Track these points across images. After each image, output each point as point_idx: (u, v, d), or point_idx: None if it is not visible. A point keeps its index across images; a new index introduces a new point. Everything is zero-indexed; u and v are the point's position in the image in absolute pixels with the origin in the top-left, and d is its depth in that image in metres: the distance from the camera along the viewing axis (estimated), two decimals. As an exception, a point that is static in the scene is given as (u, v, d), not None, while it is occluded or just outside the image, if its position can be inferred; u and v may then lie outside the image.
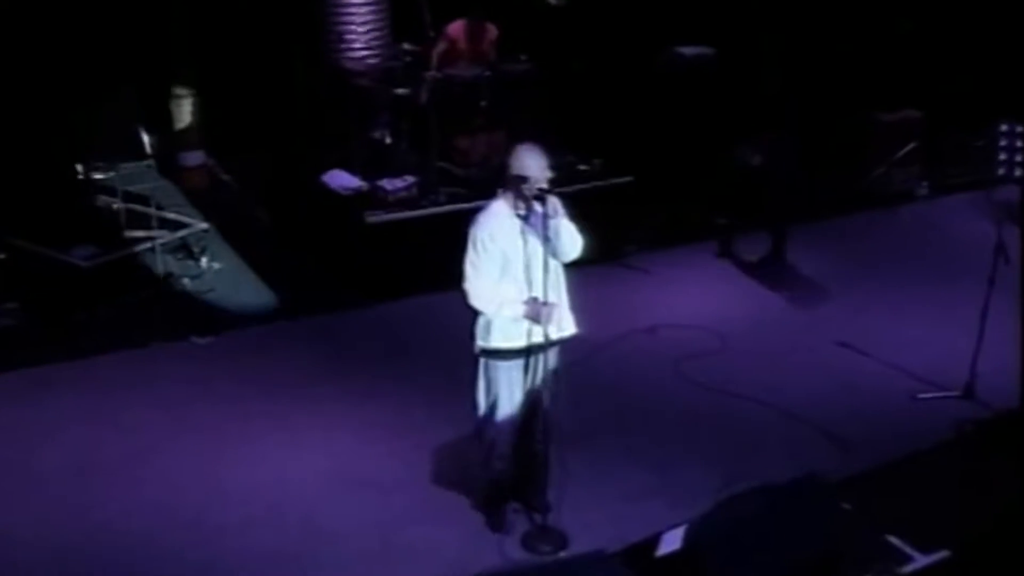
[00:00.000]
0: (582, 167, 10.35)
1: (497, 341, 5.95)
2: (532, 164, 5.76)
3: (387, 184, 9.58)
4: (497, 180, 9.44)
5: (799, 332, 8.71)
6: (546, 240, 5.75)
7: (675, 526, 6.00)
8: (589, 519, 6.43)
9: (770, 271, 9.73)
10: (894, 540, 6.12)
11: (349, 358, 8.35)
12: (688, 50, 11.55)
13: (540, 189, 5.74)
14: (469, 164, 10.03)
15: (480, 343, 6.01)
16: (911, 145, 11.49)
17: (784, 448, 7.12)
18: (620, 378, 7.99)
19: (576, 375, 7.47)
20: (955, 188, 11.44)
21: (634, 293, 9.37)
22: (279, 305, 9.16)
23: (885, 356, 8.18)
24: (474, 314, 6.01)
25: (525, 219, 5.86)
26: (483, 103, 10.04)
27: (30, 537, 6.34)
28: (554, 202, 5.76)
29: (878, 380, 7.90)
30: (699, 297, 9.35)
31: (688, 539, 5.66)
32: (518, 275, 5.85)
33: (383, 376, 8.05)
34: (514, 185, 5.80)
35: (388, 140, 10.41)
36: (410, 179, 9.68)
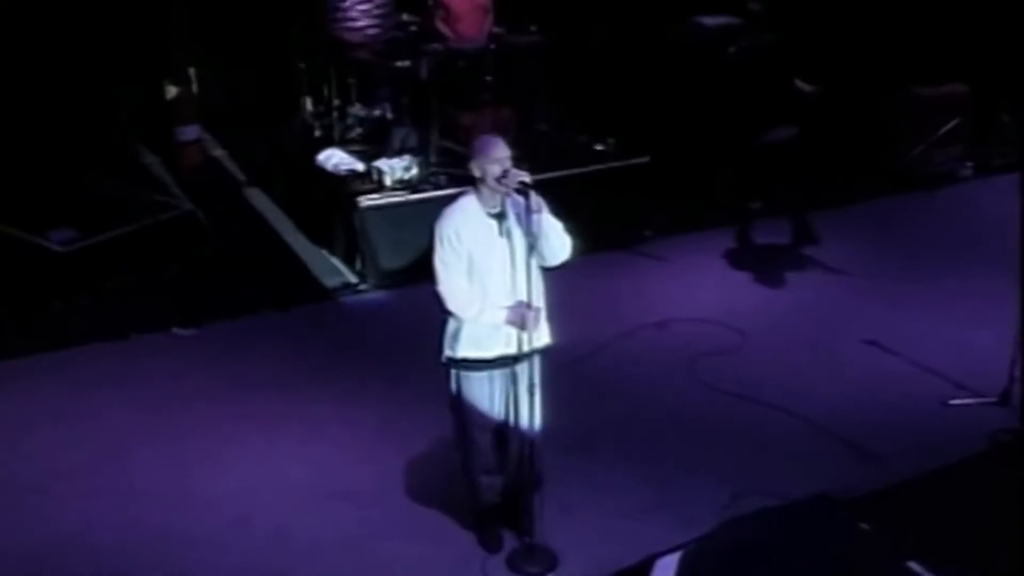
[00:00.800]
0: (595, 147, 9.99)
1: (466, 350, 5.61)
2: (502, 155, 5.39)
3: (384, 165, 9.24)
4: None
5: (824, 328, 8.38)
6: (529, 239, 5.37)
7: (673, 549, 5.71)
8: (581, 537, 6.13)
9: (795, 260, 9.39)
10: (915, 567, 5.73)
11: (337, 353, 8.11)
12: (710, 20, 11.13)
13: (522, 182, 5.36)
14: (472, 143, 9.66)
15: (448, 352, 5.67)
16: (954, 122, 11.05)
17: (801, 460, 6.78)
18: (625, 379, 7.68)
19: (577, 375, 7.28)
20: (1002, 169, 10.89)
21: (646, 283, 9.08)
22: (267, 294, 8.91)
23: (916, 356, 7.81)
24: (441, 318, 5.65)
25: (500, 218, 5.48)
26: (488, 77, 9.70)
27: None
28: (537, 197, 5.38)
29: (907, 383, 7.54)
30: (717, 288, 9.04)
31: (684, 566, 5.31)
32: (487, 279, 5.50)
33: (371, 374, 7.79)
34: (487, 180, 5.42)
35: (390, 116, 10.07)
36: (409, 159, 9.34)
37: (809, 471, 6.61)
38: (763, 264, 9.40)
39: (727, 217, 10.01)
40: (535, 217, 5.37)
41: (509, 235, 5.47)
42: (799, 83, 9.28)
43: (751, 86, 9.49)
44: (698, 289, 8.99)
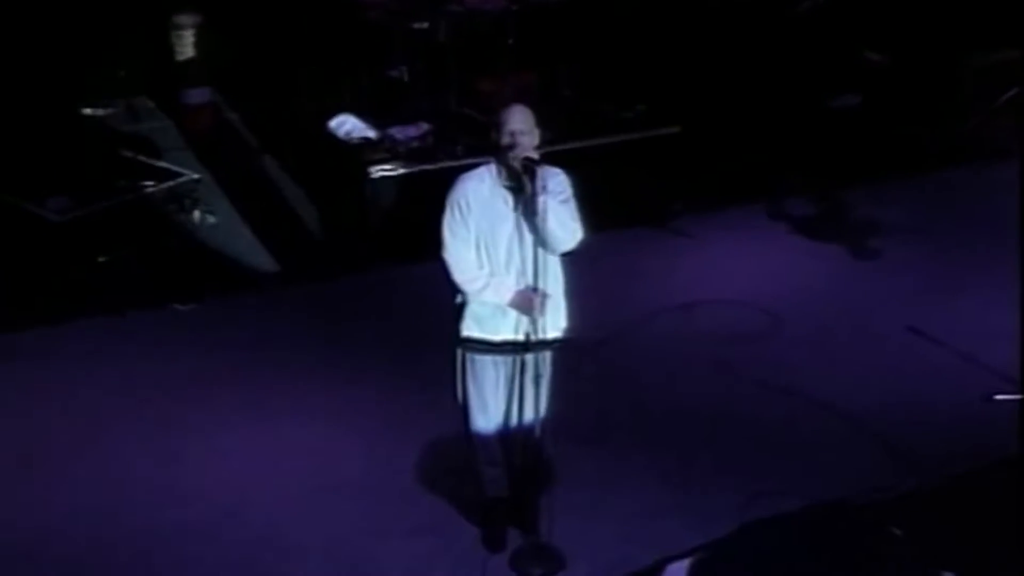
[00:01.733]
0: (623, 114, 9.75)
1: (470, 329, 5.51)
2: (515, 127, 5.24)
3: (398, 132, 9.09)
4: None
5: (862, 313, 8.17)
6: (531, 222, 5.22)
7: (686, 553, 5.59)
8: (591, 536, 5.97)
9: (835, 238, 9.17)
10: (949, 577, 5.56)
11: (342, 333, 7.98)
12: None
13: (528, 159, 5.18)
14: (493, 110, 9.45)
15: (453, 327, 5.58)
16: (1012, 91, 10.69)
17: (830, 457, 6.60)
18: (647, 366, 7.51)
19: (593, 361, 7.09)
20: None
21: (674, 262, 8.89)
22: (273, 269, 8.81)
23: (961, 345, 7.56)
24: (452, 291, 5.55)
25: (516, 192, 5.30)
26: (510, 40, 9.52)
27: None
28: (552, 177, 5.26)
29: (949, 375, 7.32)
30: (750, 268, 8.82)
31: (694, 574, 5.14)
32: (494, 254, 5.40)
33: (376, 356, 7.66)
34: (500, 152, 5.30)
35: (406, 79, 9.88)
36: (424, 127, 9.18)
37: (838, 470, 6.45)
38: (801, 242, 9.21)
39: (765, 192, 9.76)
40: (539, 199, 5.18)
41: (523, 211, 5.32)
42: (869, 53, 9.03)
43: (818, 46, 9.23)
44: (729, 269, 8.79)
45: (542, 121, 9.07)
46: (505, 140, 5.27)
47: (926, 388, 7.23)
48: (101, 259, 8.72)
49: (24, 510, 6.26)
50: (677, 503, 6.26)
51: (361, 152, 9.21)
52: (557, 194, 5.31)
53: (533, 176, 5.20)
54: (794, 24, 9.61)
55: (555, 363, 5.61)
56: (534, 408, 5.53)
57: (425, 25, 9.55)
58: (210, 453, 6.72)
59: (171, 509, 6.26)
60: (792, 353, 7.65)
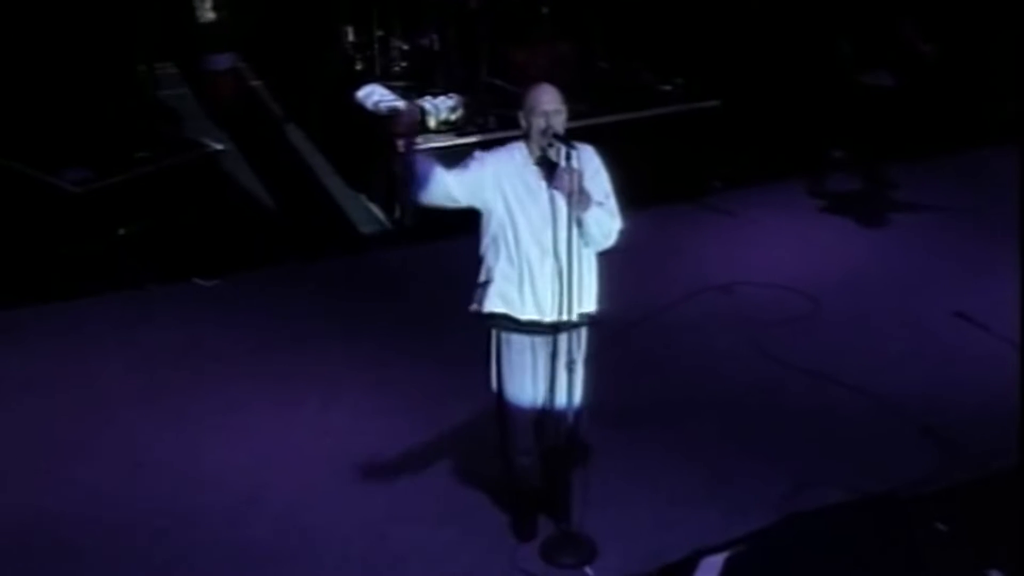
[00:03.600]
0: (661, 87, 9.64)
1: (494, 304, 5.37)
2: (547, 107, 5.17)
3: (428, 104, 8.96)
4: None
5: (907, 296, 8.06)
6: (565, 201, 5.12)
7: (723, 546, 5.48)
8: (623, 526, 5.88)
9: (879, 217, 9.06)
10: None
11: (365, 310, 7.94)
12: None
13: (557, 136, 5.08)
14: (526, 81, 9.31)
15: (475, 306, 5.46)
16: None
17: (873, 448, 6.47)
18: (683, 349, 7.42)
19: (627, 344, 7.03)
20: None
21: (712, 240, 8.82)
22: (295, 242, 8.75)
23: (1009, 331, 7.31)
24: (476, 266, 5.45)
25: (549, 169, 5.20)
26: (545, 9, 9.47)
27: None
28: (582, 152, 5.13)
29: (996, 362, 7.11)
30: (790, 248, 8.74)
31: (730, 569, 5.03)
32: (521, 233, 5.27)
33: (402, 335, 7.60)
34: (531, 135, 5.24)
35: (436, 48, 9.77)
36: (456, 98, 9.05)
37: (881, 461, 6.32)
38: (842, 221, 9.10)
39: (807, 167, 9.66)
40: (571, 179, 5.08)
41: (554, 194, 5.21)
42: (921, 43, 8.84)
43: (860, 19, 9.05)
44: (769, 248, 8.69)
45: (577, 93, 9.00)
46: (539, 122, 5.17)
47: (970, 375, 7.09)
48: (121, 231, 8.65)
49: (41, 492, 6.23)
50: (713, 493, 6.15)
51: (389, 124, 9.08)
52: (590, 178, 5.20)
53: (568, 157, 5.07)
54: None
55: (589, 346, 5.49)
56: (568, 394, 5.41)
57: (457, -9, 9.43)
58: (231, 435, 6.67)
59: (190, 493, 6.21)
60: (832, 336, 7.55)
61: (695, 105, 9.52)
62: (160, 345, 7.50)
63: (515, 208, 5.27)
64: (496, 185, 5.27)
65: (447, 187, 5.26)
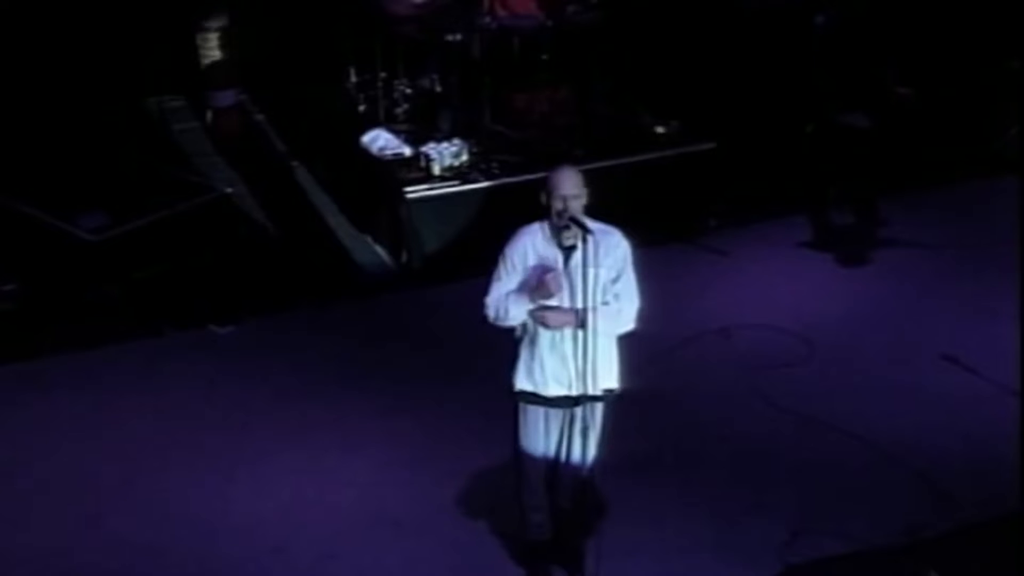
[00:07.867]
0: (658, 130, 9.88)
1: (522, 383, 5.73)
2: (566, 191, 5.46)
3: (432, 151, 9.27)
4: (558, 144, 9.27)
5: (902, 338, 8.27)
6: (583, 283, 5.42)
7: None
8: (630, 575, 6.18)
9: (873, 255, 9.27)
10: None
11: (379, 355, 8.15)
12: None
13: (573, 220, 5.41)
14: (527, 126, 9.68)
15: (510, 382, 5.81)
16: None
17: (868, 494, 6.81)
18: (682, 394, 7.69)
19: (627, 388, 7.20)
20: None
21: (707, 282, 8.99)
22: (306, 287, 8.97)
23: (1001, 375, 7.57)
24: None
25: (568, 251, 5.55)
26: (544, 56, 9.64)
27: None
28: (605, 239, 5.49)
29: (989, 408, 7.41)
30: (785, 287, 8.92)
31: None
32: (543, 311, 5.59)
33: (417, 380, 7.84)
34: (550, 214, 5.54)
35: (439, 89, 10.05)
36: (459, 143, 9.35)
37: (876, 507, 6.64)
38: (837, 259, 9.27)
39: (799, 207, 9.87)
40: (588, 270, 5.39)
41: (575, 271, 5.50)
42: (898, 87, 9.15)
43: (837, 63, 9.35)
44: (764, 288, 8.88)
45: (576, 138, 9.26)
46: (557, 205, 5.46)
47: (962, 421, 7.34)
48: (137, 275, 8.85)
49: (61, 545, 6.48)
50: (715, 540, 6.48)
51: (396, 170, 9.38)
52: (609, 268, 5.53)
53: (584, 242, 5.36)
54: (809, 39, 9.71)
55: (605, 416, 5.83)
56: (581, 456, 5.75)
57: (459, 38, 9.64)
58: (255, 485, 6.96)
59: (220, 543, 6.51)
60: (828, 381, 7.81)
61: (691, 148, 9.72)
62: (182, 393, 7.74)
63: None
64: (524, 271, 5.59)
65: (516, 316, 5.60)
